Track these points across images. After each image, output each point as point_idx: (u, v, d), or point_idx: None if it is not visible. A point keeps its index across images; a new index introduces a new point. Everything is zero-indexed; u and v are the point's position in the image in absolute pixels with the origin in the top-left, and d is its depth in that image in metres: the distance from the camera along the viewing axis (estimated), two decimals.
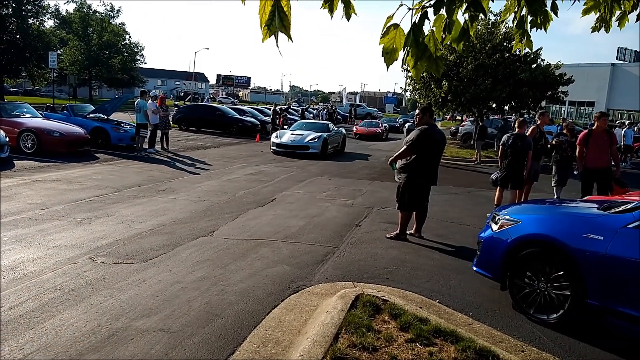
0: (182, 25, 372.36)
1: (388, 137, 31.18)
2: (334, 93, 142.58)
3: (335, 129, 20.35)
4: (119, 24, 56.34)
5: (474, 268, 5.27)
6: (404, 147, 6.95)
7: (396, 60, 2.45)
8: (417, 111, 7.53)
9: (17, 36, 42.06)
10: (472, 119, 28.19)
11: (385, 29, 2.37)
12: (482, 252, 5.18)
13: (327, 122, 22.08)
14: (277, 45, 2.13)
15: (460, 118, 46.13)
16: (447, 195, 11.16)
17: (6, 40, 41.74)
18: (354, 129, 30.95)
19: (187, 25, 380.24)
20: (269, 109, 33.20)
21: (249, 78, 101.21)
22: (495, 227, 5.09)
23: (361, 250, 6.54)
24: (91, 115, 16.51)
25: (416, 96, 27.42)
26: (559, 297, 4.41)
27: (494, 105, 23.72)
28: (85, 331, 3.83)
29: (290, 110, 35.27)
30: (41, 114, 15.39)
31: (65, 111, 16.73)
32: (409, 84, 27.10)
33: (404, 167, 7.01)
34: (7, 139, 11.92)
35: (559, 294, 4.42)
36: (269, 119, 28.54)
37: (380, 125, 31.60)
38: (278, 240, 6.79)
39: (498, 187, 9.20)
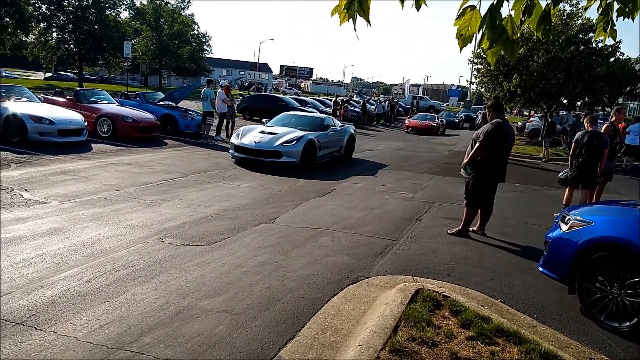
0: (247, 16, 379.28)
1: (444, 133, 29.48)
2: (396, 85, 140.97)
3: (337, 126, 14.03)
4: (189, 14, 58.24)
5: (540, 269, 5.08)
6: (477, 145, 6.71)
7: (470, 42, 2.39)
8: (488, 103, 7.27)
9: (96, 27, 44.50)
10: (540, 114, 26.99)
11: (461, 10, 2.31)
12: (550, 253, 4.99)
13: (326, 116, 15.10)
14: (354, 29, 2.15)
15: (527, 113, 44.28)
16: (512, 192, 10.78)
17: (86, 31, 44.29)
18: (406, 121, 29.73)
19: (252, 16, 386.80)
20: (331, 100, 33.28)
21: (312, 69, 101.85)
22: (564, 227, 4.87)
23: (421, 244, 6.46)
24: (161, 102, 17.22)
25: (482, 90, 26.58)
26: (634, 304, 4.17)
27: (564, 101, 22.57)
28: (155, 307, 4.04)
29: (351, 102, 35.20)
30: (116, 101, 16.22)
31: (137, 98, 17.57)
32: (475, 77, 26.18)
33: (474, 163, 6.80)
34: (86, 124, 12.68)
35: (633, 301, 4.18)
36: (330, 110, 28.62)
37: (436, 119, 29.75)
38: (337, 230, 6.83)
39: (568, 187, 8.78)
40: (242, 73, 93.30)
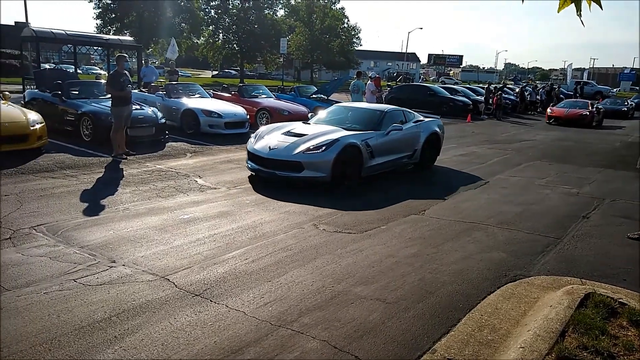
0: (395, 5, 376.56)
1: (601, 124, 23.37)
2: (555, 70, 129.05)
3: (411, 121, 10.01)
4: (339, 8, 59.81)
5: None
6: None
7: None
8: None
9: (255, 26, 48.03)
10: None
11: None
12: None
13: (392, 108, 10.24)
14: (578, 15, 1.97)
15: None
16: None
17: (247, 31, 48.03)
18: (548, 110, 24.33)
19: (399, 5, 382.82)
20: (482, 88, 31.62)
21: (461, 57, 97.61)
22: None
23: (590, 245, 5.84)
24: (314, 95, 18.00)
25: None
26: None
27: None
28: (312, 290, 4.26)
29: (505, 89, 33.00)
30: (273, 95, 17.34)
31: (292, 92, 18.59)
32: None
33: None
34: (247, 116, 13.77)
35: None
36: (482, 99, 27.24)
37: (589, 106, 23.47)
38: (492, 225, 6.50)
39: None
40: (390, 64, 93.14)
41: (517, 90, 31.98)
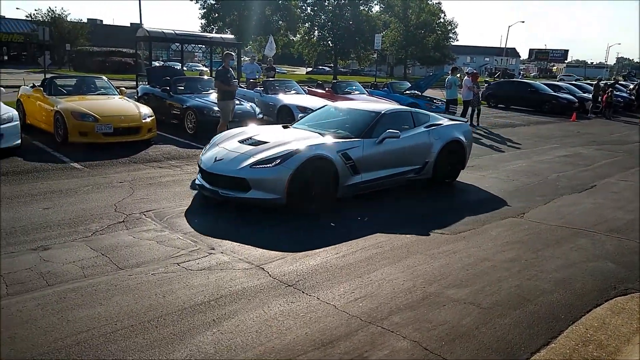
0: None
1: None
2: None
3: (422, 124, 7.81)
4: (436, 3, 58.35)
5: None
6: None
7: None
8: None
9: (350, 22, 48.35)
10: None
11: None
12: None
13: (394, 108, 8.48)
14: None
15: None
16: None
17: (342, 27, 48.49)
18: None
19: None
20: (591, 85, 29.32)
21: (566, 51, 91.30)
22: None
23: None
24: (407, 92, 17.76)
25: None
26: None
27: None
28: (403, 289, 4.21)
29: (617, 86, 30.32)
30: (366, 91, 17.34)
31: (385, 88, 18.49)
32: None
33: None
34: None
35: None
36: (589, 96, 25.27)
37: None
38: (599, 232, 6.03)
39: None
40: (487, 59, 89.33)
41: (632, 87, 29.25)
